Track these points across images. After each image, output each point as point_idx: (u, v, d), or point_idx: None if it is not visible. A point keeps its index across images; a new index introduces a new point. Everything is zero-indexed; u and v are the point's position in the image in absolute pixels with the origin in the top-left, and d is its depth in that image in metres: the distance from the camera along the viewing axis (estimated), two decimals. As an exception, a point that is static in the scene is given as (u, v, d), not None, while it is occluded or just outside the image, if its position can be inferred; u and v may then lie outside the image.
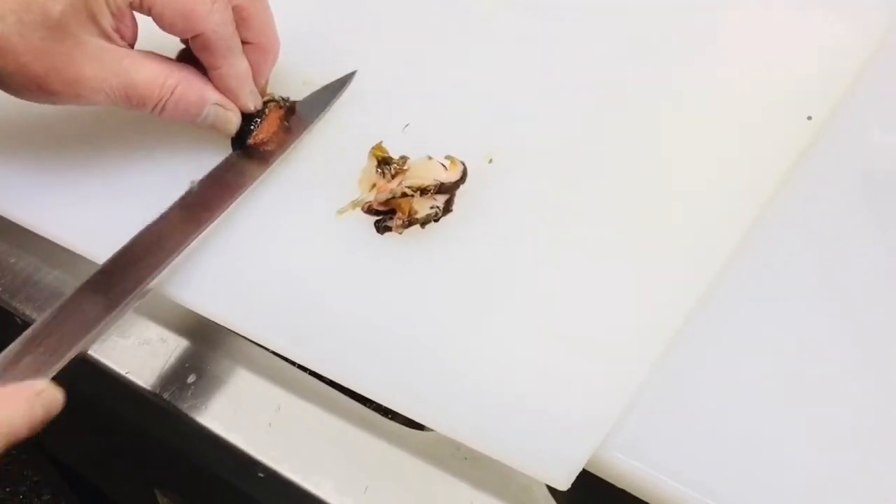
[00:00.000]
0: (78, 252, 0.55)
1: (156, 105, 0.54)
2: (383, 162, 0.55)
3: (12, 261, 0.60)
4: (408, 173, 0.54)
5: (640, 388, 0.46)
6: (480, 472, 0.48)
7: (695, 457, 0.44)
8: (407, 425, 0.50)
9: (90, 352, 0.54)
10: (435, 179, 0.53)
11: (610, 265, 0.51)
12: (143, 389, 0.53)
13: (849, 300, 0.49)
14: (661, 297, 0.49)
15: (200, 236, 0.53)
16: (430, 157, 0.54)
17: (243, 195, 0.55)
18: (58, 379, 0.45)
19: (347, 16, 0.67)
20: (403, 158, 0.55)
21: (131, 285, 0.50)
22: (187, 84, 0.55)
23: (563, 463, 0.44)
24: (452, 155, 0.54)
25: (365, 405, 0.51)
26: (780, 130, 0.54)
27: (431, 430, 0.48)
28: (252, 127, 0.58)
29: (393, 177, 0.54)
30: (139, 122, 0.59)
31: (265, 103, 0.59)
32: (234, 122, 0.58)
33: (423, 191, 0.53)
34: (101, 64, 0.53)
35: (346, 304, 0.50)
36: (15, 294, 0.58)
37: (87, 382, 0.57)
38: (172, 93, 0.54)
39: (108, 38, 0.53)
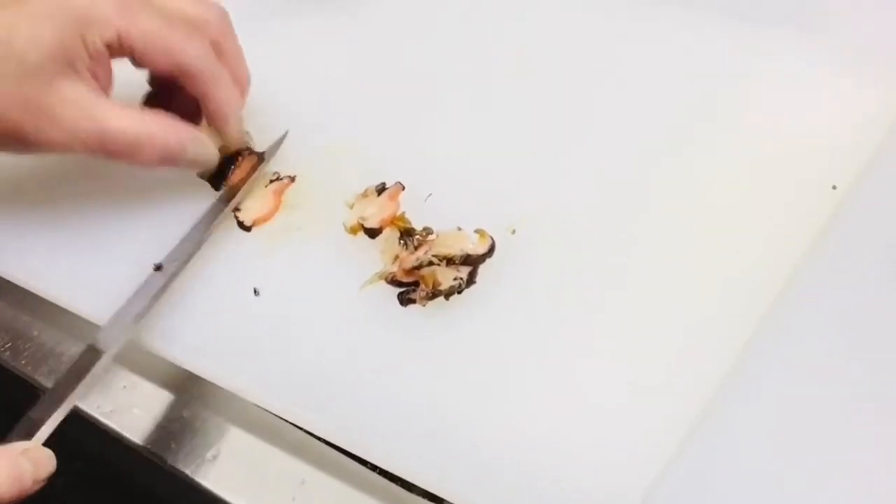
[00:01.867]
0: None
1: (132, 153, 0.54)
2: (406, 233, 0.55)
3: (35, 333, 0.60)
4: (436, 242, 0.54)
5: (666, 465, 0.45)
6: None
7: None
8: (431, 500, 0.50)
9: (110, 423, 0.54)
10: (462, 250, 0.53)
11: (636, 332, 0.50)
12: (166, 464, 0.53)
13: (876, 373, 0.48)
14: (688, 370, 0.49)
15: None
16: (459, 228, 0.54)
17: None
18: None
19: (358, 82, 0.67)
20: (427, 230, 0.55)
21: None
22: (163, 127, 0.56)
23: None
24: (482, 228, 0.54)
25: (389, 480, 0.51)
26: (805, 200, 0.54)
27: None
28: (232, 167, 0.60)
29: (416, 248, 0.54)
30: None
31: (239, 150, 0.61)
32: (213, 154, 0.59)
33: (449, 261, 0.53)
34: (77, 110, 0.53)
35: (369, 377, 0.50)
36: (37, 367, 0.58)
37: (108, 454, 0.57)
38: (151, 139, 0.55)
39: (85, 83, 0.54)
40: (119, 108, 0.55)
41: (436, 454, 0.47)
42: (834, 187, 0.54)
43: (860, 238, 0.52)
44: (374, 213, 0.56)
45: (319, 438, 0.51)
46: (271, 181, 0.60)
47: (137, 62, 0.55)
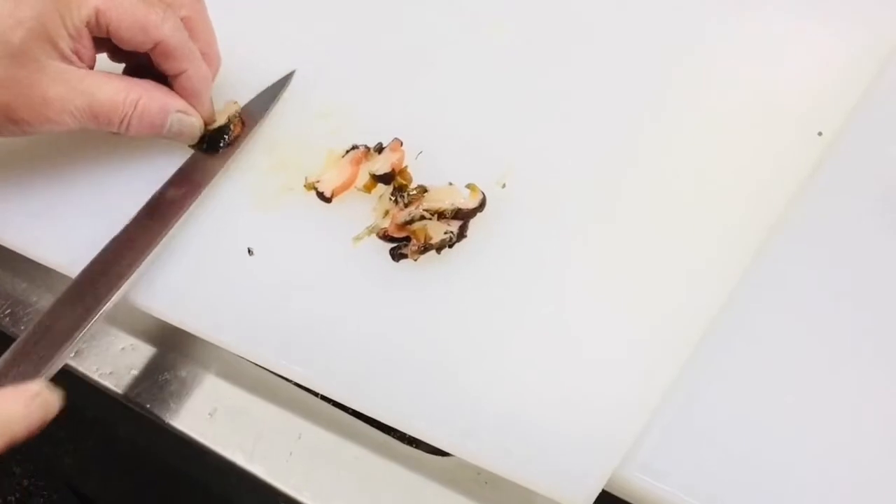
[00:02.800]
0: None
1: (122, 121, 0.56)
2: (398, 189, 0.55)
3: (34, 299, 0.61)
4: (427, 196, 0.54)
5: (656, 408, 0.46)
6: (501, 496, 0.48)
7: (712, 474, 0.44)
8: (427, 451, 0.50)
9: (109, 384, 0.55)
10: (452, 204, 0.53)
11: (624, 286, 0.51)
12: (163, 422, 0.53)
13: (863, 315, 0.49)
14: (676, 317, 0.49)
15: (170, 240, 0.55)
16: (451, 184, 0.55)
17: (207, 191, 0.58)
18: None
19: (352, 43, 0.67)
20: (421, 188, 0.55)
21: (103, 292, 0.52)
22: (149, 96, 0.57)
23: (581, 484, 0.44)
24: (473, 183, 0.55)
25: (385, 432, 0.51)
26: (791, 147, 0.54)
27: (451, 455, 0.48)
28: (225, 137, 0.60)
29: (406, 205, 0.54)
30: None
31: (230, 118, 0.61)
32: (198, 126, 0.60)
33: (440, 215, 0.53)
34: (64, 85, 0.54)
35: (363, 332, 0.50)
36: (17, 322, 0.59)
37: (108, 415, 0.58)
38: (136, 106, 0.56)
39: (69, 61, 0.55)
40: (106, 78, 0.56)
41: (430, 405, 0.48)
42: (820, 133, 0.54)
43: (846, 184, 0.53)
44: (381, 165, 0.57)
45: (315, 393, 0.52)
46: (347, 151, 0.59)
47: (114, 39, 0.56)
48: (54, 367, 0.48)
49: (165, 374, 0.56)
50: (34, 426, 0.44)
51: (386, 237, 0.54)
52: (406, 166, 0.57)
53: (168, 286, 0.54)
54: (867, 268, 0.50)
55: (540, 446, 0.46)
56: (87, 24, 0.54)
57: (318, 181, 0.57)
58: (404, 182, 0.56)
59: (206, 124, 0.60)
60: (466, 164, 0.56)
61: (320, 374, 0.49)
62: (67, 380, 0.55)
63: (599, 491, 0.44)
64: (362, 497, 0.49)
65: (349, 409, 0.51)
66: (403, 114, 0.61)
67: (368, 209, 0.56)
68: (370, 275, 0.53)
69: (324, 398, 0.52)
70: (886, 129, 0.55)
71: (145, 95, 0.57)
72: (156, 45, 0.56)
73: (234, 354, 0.52)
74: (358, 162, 0.58)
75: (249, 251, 0.55)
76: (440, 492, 0.49)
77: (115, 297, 0.52)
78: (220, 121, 0.61)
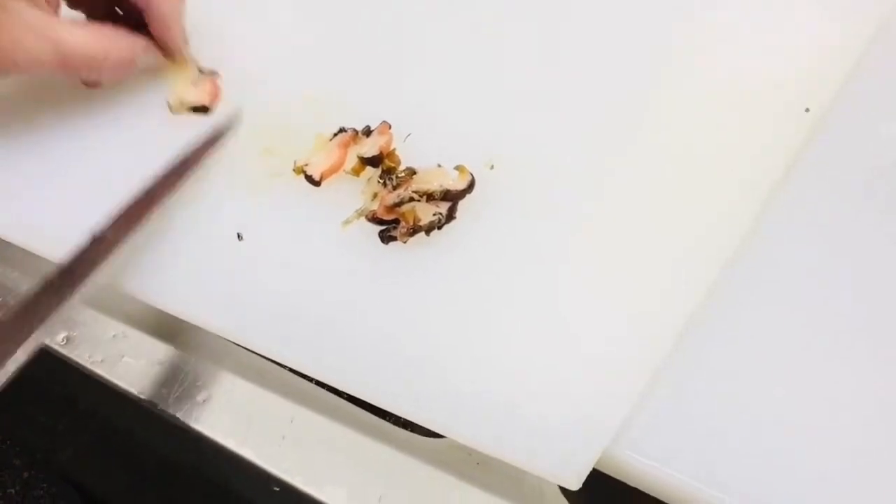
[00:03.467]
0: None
1: (92, 64, 0.58)
2: (386, 172, 0.55)
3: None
4: (416, 178, 0.54)
5: (647, 386, 0.46)
6: (493, 477, 0.48)
7: (704, 451, 0.44)
8: (418, 433, 0.51)
9: (101, 372, 0.55)
10: (441, 186, 0.53)
11: (613, 265, 0.51)
12: (155, 408, 0.53)
13: (855, 293, 0.49)
14: (665, 296, 0.49)
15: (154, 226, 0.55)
16: (439, 165, 0.55)
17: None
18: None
19: (339, 27, 0.67)
20: (409, 170, 0.55)
21: (80, 276, 0.51)
22: (117, 38, 0.59)
23: (573, 463, 0.44)
24: (462, 164, 0.54)
25: (376, 415, 0.51)
26: (778, 125, 0.54)
27: (443, 437, 0.48)
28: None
29: (395, 188, 0.54)
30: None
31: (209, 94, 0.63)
32: (163, 62, 0.63)
33: (429, 197, 0.53)
34: (34, 32, 0.55)
35: (352, 315, 0.50)
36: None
37: (100, 403, 0.58)
38: (107, 56, 0.58)
39: (37, 7, 0.56)
40: (71, 25, 0.58)
41: (420, 386, 0.48)
42: (807, 110, 0.54)
43: (834, 161, 0.53)
44: (369, 148, 0.56)
45: (307, 377, 0.52)
46: (335, 134, 0.59)
47: None
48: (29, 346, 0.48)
49: (157, 361, 0.56)
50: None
51: (375, 220, 0.54)
52: (394, 149, 0.56)
53: (158, 272, 0.54)
54: (856, 247, 0.50)
55: (531, 426, 0.46)
56: None
57: (306, 165, 0.57)
58: (392, 164, 0.56)
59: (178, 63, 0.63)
60: (455, 146, 0.56)
61: (312, 358, 0.49)
62: (60, 369, 0.56)
63: (590, 470, 0.44)
64: (355, 480, 0.49)
65: (341, 392, 0.51)
66: (392, 97, 0.61)
67: (357, 193, 0.56)
68: (360, 258, 0.53)
69: (316, 382, 0.52)
70: (875, 106, 0.54)
71: (113, 38, 0.59)
72: None
73: (225, 340, 0.52)
74: (346, 145, 0.57)
75: (239, 236, 0.55)
76: (432, 473, 0.49)
77: (92, 280, 0.51)
78: (201, 98, 0.62)
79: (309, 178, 0.56)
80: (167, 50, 0.63)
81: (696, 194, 0.53)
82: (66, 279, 0.51)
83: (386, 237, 0.53)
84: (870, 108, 0.55)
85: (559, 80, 0.60)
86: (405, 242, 0.53)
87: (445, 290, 0.51)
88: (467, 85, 0.61)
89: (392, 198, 0.53)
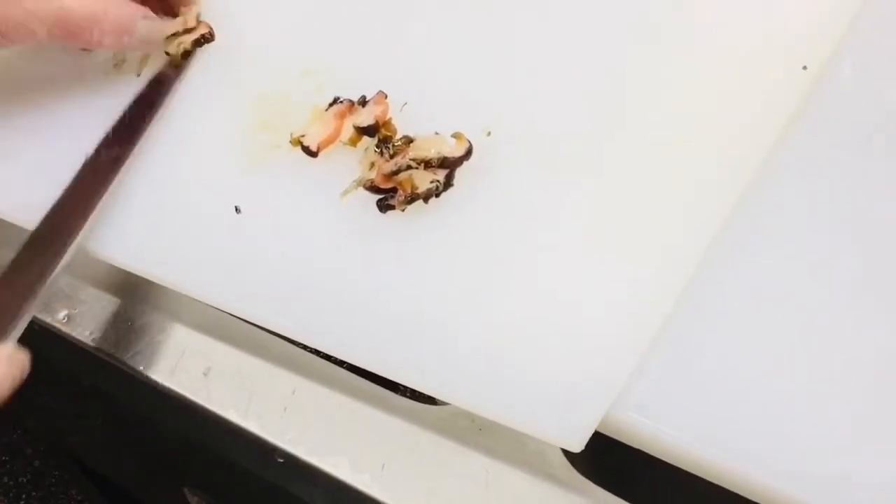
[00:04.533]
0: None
1: (92, 30, 0.56)
2: (383, 141, 0.55)
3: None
4: (414, 146, 0.54)
5: (649, 347, 0.46)
6: (495, 442, 0.48)
7: (706, 412, 0.44)
8: (420, 400, 0.51)
9: (108, 348, 0.55)
10: (438, 153, 0.53)
11: (612, 227, 0.50)
12: (158, 384, 0.53)
13: (857, 248, 0.49)
14: (666, 255, 0.49)
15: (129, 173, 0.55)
16: (436, 133, 0.54)
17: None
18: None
19: None
20: (406, 139, 0.55)
21: (66, 241, 0.51)
22: (116, 3, 0.57)
23: (575, 426, 0.44)
24: (460, 131, 0.54)
25: (377, 384, 0.51)
26: (776, 82, 0.54)
27: (445, 403, 0.48)
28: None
29: (392, 156, 0.54)
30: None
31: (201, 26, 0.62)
32: (162, 32, 0.60)
33: (427, 164, 0.53)
34: None
35: (351, 284, 0.50)
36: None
37: (105, 381, 0.58)
38: (106, 14, 0.56)
39: None
40: None
41: (421, 353, 0.48)
42: (804, 68, 0.54)
43: (834, 118, 0.52)
44: (365, 118, 0.56)
45: (307, 349, 0.52)
46: (330, 105, 0.58)
47: None
48: (20, 325, 0.48)
49: (158, 335, 0.56)
50: (7, 390, 0.44)
51: (373, 189, 0.54)
52: (390, 118, 0.56)
53: (156, 247, 0.54)
54: (857, 201, 0.50)
55: (532, 390, 0.45)
56: None
57: (303, 136, 0.57)
58: (389, 133, 0.55)
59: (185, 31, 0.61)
60: (452, 114, 0.56)
61: (312, 328, 0.49)
62: (63, 347, 0.56)
63: (592, 432, 0.44)
64: (358, 449, 0.49)
65: (342, 362, 0.51)
66: (388, 66, 0.60)
67: (355, 163, 0.55)
68: (358, 227, 0.53)
69: (317, 353, 0.52)
70: (872, 62, 0.54)
71: (112, 7, 0.57)
72: None
73: (225, 313, 0.52)
74: (342, 115, 0.57)
75: (237, 209, 0.55)
76: (435, 440, 0.49)
77: (74, 248, 0.51)
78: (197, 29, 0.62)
79: (306, 150, 0.56)
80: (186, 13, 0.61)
81: (694, 155, 0.52)
82: (47, 251, 0.51)
83: (384, 206, 0.53)
84: (867, 64, 0.54)
85: (555, 46, 0.59)
86: (403, 210, 0.52)
87: (445, 257, 0.51)
88: (464, 54, 0.60)
89: (389, 166, 0.53)
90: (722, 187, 0.51)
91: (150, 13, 0.59)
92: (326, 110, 0.57)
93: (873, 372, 0.45)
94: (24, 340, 0.47)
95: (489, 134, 0.55)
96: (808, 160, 0.51)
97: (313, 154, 0.56)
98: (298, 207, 0.54)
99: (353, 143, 0.56)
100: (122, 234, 0.54)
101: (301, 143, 0.56)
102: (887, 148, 0.51)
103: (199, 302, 0.53)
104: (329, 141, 0.56)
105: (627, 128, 0.54)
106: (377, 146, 0.55)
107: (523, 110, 0.56)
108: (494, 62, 0.59)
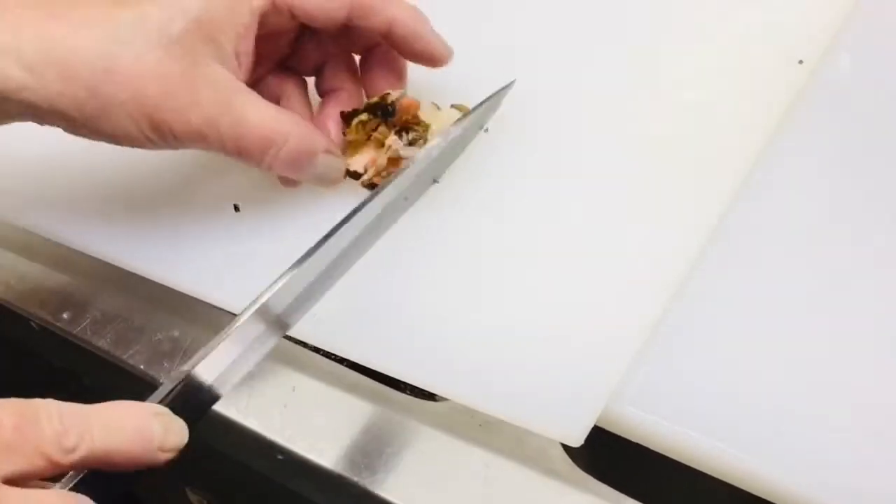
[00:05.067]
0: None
1: (266, 154, 0.49)
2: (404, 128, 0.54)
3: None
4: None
5: (646, 342, 0.46)
6: (496, 438, 0.48)
7: (704, 405, 0.44)
8: (420, 397, 0.51)
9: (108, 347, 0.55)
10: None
11: (610, 220, 0.51)
12: (158, 383, 0.53)
13: (852, 242, 0.49)
14: (662, 249, 0.49)
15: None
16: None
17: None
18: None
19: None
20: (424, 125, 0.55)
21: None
22: (301, 129, 0.50)
23: (575, 420, 0.44)
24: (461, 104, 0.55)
25: (377, 380, 0.51)
26: (772, 77, 0.54)
27: (445, 399, 0.48)
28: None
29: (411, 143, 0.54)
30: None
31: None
32: (340, 171, 0.54)
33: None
34: (217, 93, 0.48)
35: (350, 281, 0.50)
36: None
37: (105, 379, 0.58)
38: (287, 140, 0.49)
39: (227, 66, 0.49)
40: (258, 99, 0.50)
41: (421, 349, 0.48)
42: (800, 62, 0.54)
43: (828, 112, 0.53)
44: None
45: (307, 346, 0.52)
46: (354, 119, 0.54)
47: (301, 15, 0.50)
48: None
49: (158, 334, 0.56)
50: (149, 450, 0.38)
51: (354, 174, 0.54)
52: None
53: (157, 246, 0.55)
54: (849, 198, 0.50)
55: (532, 385, 0.46)
56: (262, 14, 0.49)
57: (348, 164, 0.54)
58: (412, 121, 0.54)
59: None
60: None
61: (311, 325, 0.49)
62: (64, 346, 0.56)
63: (591, 426, 0.44)
64: (358, 445, 0.49)
65: (342, 359, 0.51)
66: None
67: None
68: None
69: (316, 349, 0.52)
70: (867, 57, 0.54)
71: (295, 132, 0.50)
72: (389, 23, 0.50)
73: (222, 310, 0.52)
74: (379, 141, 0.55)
75: (236, 207, 0.55)
76: (434, 436, 0.49)
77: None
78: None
79: (353, 175, 0.55)
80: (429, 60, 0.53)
81: (693, 146, 0.52)
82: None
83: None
84: (862, 59, 0.54)
85: (559, 37, 0.60)
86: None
87: (442, 252, 0.51)
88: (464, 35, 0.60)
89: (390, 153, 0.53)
90: (717, 185, 0.51)
91: (334, 146, 0.53)
92: (356, 131, 0.55)
93: (863, 363, 0.45)
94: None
95: (486, 130, 0.55)
96: (804, 157, 0.52)
97: (358, 177, 0.55)
98: (292, 205, 0.55)
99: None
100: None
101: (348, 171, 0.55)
102: (882, 146, 0.51)
103: (196, 299, 0.53)
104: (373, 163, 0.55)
105: (627, 119, 0.54)
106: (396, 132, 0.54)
107: (518, 109, 0.56)
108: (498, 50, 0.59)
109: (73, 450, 0.36)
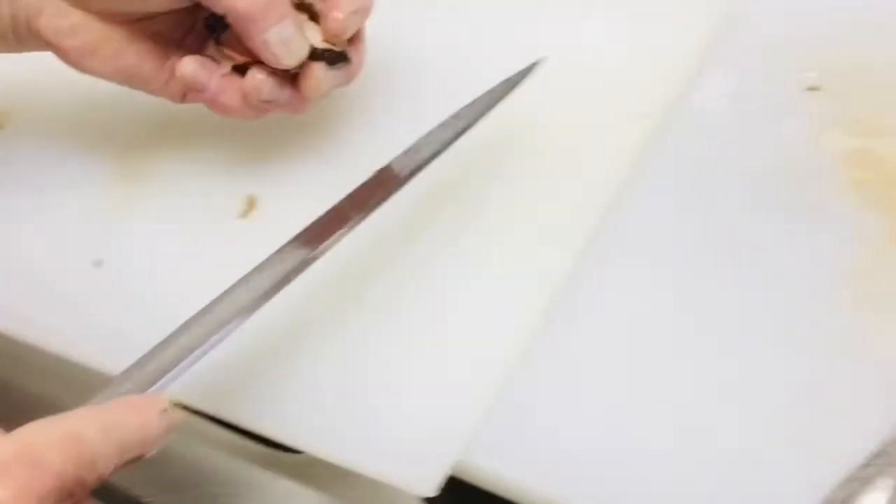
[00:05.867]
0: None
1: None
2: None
3: None
4: None
5: (499, 392, 0.46)
6: (354, 491, 0.48)
7: (555, 456, 0.44)
8: (278, 449, 0.50)
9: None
10: None
11: (459, 271, 0.51)
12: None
13: (694, 297, 0.49)
14: (516, 299, 0.50)
15: None
16: None
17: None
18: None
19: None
20: None
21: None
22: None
23: (427, 472, 0.44)
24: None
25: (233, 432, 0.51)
26: (616, 131, 0.55)
27: (302, 451, 0.48)
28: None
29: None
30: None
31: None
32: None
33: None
34: None
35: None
36: None
37: None
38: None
39: None
40: None
41: (276, 404, 0.48)
42: (643, 117, 0.55)
43: (672, 165, 0.53)
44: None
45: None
46: None
47: None
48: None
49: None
50: (158, 443, 0.38)
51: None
52: None
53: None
54: (694, 249, 0.50)
55: (385, 436, 0.46)
56: None
57: None
58: None
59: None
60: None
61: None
62: None
63: (444, 478, 0.44)
64: (211, 496, 0.49)
65: (196, 409, 0.51)
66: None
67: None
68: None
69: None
70: (709, 114, 0.55)
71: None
72: None
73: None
74: None
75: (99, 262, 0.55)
76: (291, 489, 0.49)
77: None
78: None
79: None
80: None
81: (537, 208, 0.53)
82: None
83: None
84: (704, 116, 0.55)
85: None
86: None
87: (287, 293, 0.49)
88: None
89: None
90: (564, 236, 0.52)
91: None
92: None
93: (721, 420, 0.45)
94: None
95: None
96: (650, 207, 0.52)
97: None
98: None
99: None
100: None
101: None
102: (734, 195, 0.52)
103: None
104: None
105: (473, 167, 0.55)
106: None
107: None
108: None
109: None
